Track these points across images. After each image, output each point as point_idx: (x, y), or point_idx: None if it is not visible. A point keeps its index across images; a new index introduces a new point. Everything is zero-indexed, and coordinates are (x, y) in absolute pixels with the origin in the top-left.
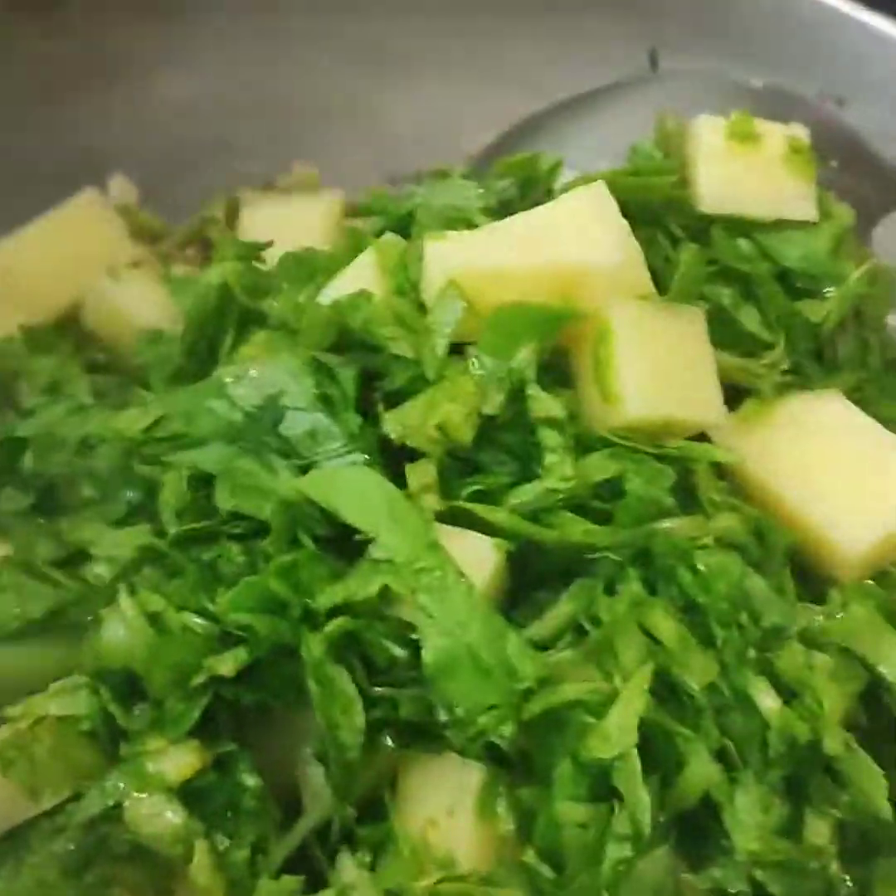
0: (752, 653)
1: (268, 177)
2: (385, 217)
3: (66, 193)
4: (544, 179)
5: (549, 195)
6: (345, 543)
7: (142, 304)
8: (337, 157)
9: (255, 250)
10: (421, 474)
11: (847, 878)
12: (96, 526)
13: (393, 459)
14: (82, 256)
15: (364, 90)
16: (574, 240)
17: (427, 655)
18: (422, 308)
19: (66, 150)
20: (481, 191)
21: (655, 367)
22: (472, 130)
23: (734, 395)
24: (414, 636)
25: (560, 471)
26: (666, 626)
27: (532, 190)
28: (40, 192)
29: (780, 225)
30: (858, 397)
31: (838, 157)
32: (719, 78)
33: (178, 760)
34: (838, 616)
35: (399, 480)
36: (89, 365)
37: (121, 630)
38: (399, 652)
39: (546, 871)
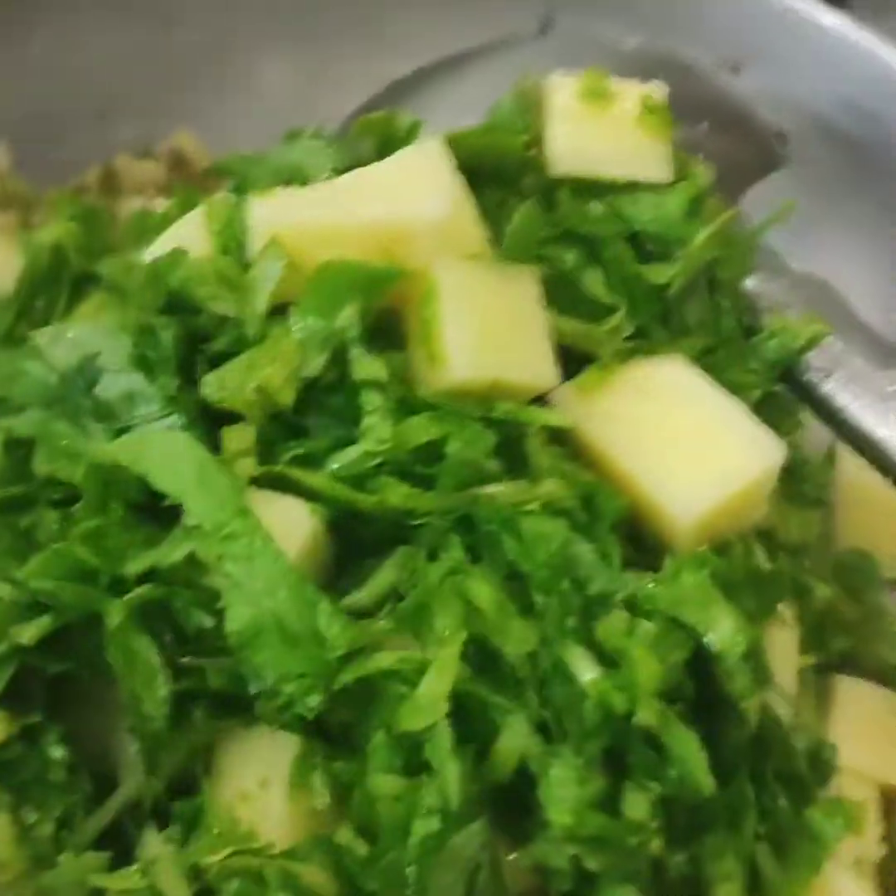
0: (573, 621)
1: (146, 144)
2: (235, 177)
3: None
4: (403, 140)
5: None
6: (161, 510)
7: None
8: (215, 123)
9: (93, 212)
10: (237, 438)
11: (675, 855)
12: None
13: (215, 424)
14: None
15: (245, 54)
16: (401, 196)
17: (231, 623)
18: (247, 267)
19: None
20: (332, 151)
21: (483, 329)
22: (357, 94)
23: (577, 361)
24: (221, 605)
25: (377, 433)
26: (484, 593)
27: (389, 151)
28: None
29: (632, 186)
30: (708, 363)
31: (711, 120)
32: (594, 40)
33: None
34: (666, 584)
35: (219, 445)
36: None
37: None
38: (206, 621)
39: (360, 847)
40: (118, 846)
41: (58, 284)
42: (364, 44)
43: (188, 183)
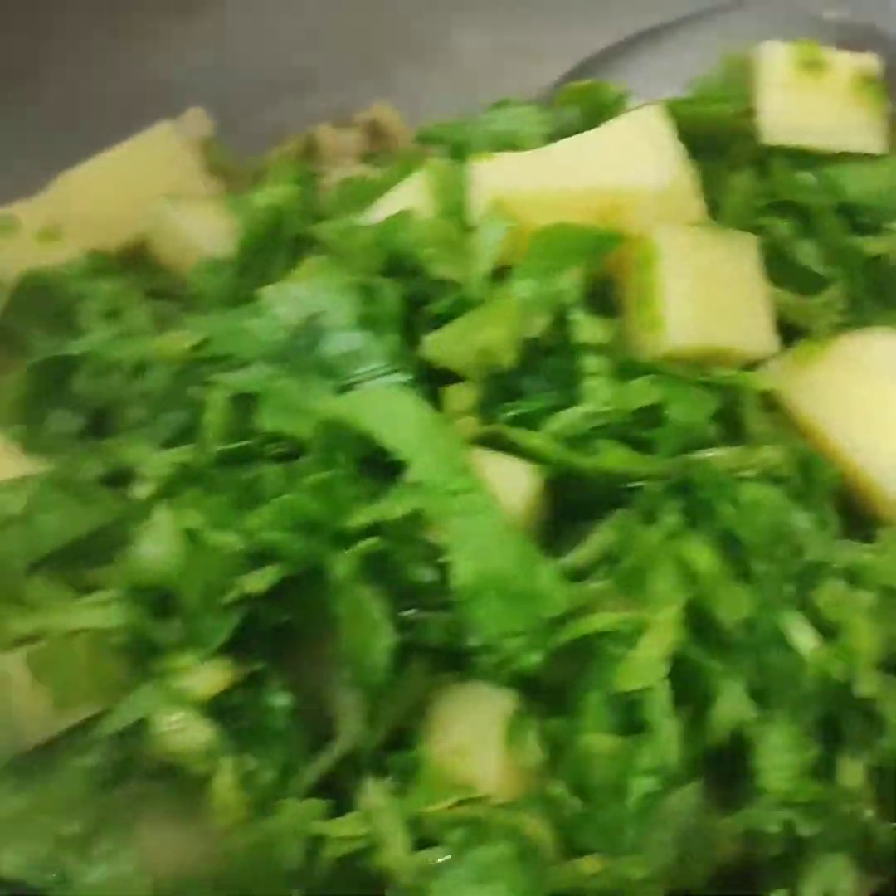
0: (790, 588)
1: (345, 113)
2: (445, 144)
3: (143, 127)
4: (610, 109)
5: None
6: (383, 465)
7: (206, 231)
8: (413, 93)
9: (309, 176)
10: (459, 397)
11: (884, 825)
12: (144, 446)
13: (435, 383)
14: (152, 188)
15: (440, 26)
16: (622, 163)
17: (457, 578)
18: (469, 230)
19: (143, 82)
20: (542, 118)
21: (702, 294)
22: (550, 65)
23: (789, 334)
24: (444, 560)
25: (599, 396)
26: (702, 558)
27: (597, 119)
28: (117, 126)
29: (844, 157)
30: None
31: None
32: (796, 10)
33: (207, 677)
34: (883, 554)
35: (440, 404)
36: (152, 292)
37: (156, 546)
38: (429, 575)
39: (574, 803)
40: (333, 796)
41: (275, 247)
42: (559, 15)
43: (388, 152)
